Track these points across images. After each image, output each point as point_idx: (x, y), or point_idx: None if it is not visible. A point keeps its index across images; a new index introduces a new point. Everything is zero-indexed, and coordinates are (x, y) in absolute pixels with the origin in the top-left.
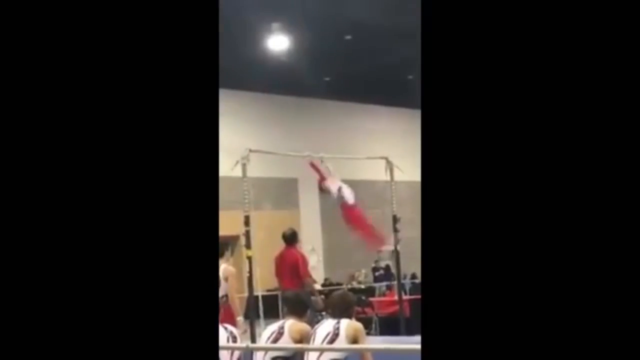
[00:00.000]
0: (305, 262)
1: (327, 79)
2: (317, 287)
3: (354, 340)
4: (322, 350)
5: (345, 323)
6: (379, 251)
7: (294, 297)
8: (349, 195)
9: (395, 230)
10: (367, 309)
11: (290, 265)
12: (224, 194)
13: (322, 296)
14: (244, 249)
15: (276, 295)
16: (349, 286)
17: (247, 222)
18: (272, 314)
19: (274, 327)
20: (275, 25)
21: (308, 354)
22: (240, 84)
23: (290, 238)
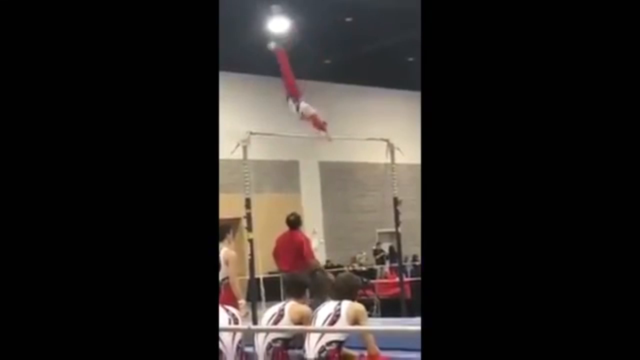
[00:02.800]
0: (309, 244)
1: (328, 61)
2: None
3: (355, 322)
4: (323, 332)
5: (346, 305)
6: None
7: (291, 278)
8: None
9: (397, 213)
10: (368, 291)
11: (294, 248)
12: (225, 177)
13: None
14: (245, 232)
15: (278, 278)
16: (351, 268)
17: (248, 205)
18: (273, 296)
19: (274, 309)
20: (275, 7)
21: (309, 335)
22: (241, 67)
23: (294, 222)
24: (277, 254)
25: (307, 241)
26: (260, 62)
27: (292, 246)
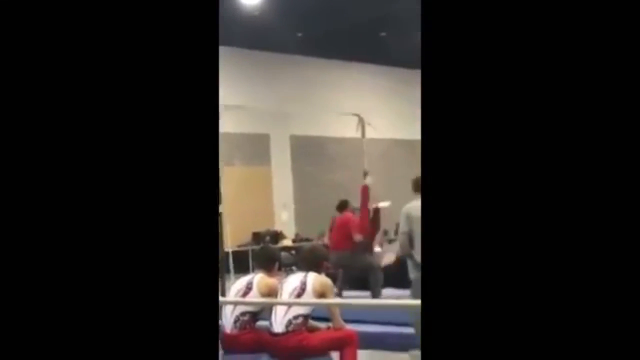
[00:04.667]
0: (355, 221)
1: (300, 34)
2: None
3: (322, 295)
4: (290, 305)
5: (312, 277)
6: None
7: (262, 252)
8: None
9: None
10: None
11: (341, 228)
12: None
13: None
14: None
15: (246, 252)
16: (321, 242)
17: None
18: (242, 269)
19: (242, 281)
20: None
21: (275, 309)
22: None
23: (339, 207)
24: (330, 236)
25: (353, 220)
26: (232, 33)
27: (338, 227)
